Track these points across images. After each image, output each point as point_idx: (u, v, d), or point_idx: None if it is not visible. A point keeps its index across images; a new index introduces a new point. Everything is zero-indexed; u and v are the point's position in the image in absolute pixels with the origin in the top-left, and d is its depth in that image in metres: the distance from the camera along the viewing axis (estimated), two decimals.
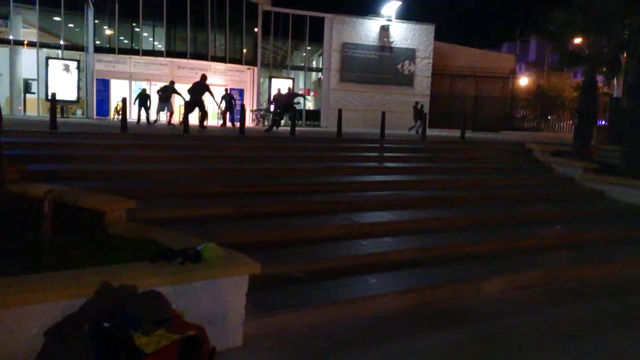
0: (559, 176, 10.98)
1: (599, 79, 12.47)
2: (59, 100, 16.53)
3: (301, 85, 26.85)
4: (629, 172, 9.99)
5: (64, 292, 3.07)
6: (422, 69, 26.79)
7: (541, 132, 29.16)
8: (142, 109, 18.40)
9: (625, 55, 11.79)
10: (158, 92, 18.10)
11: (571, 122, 26.01)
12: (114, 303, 3.00)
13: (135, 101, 18.43)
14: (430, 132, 15.44)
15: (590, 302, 5.21)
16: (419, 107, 21.64)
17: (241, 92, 25.80)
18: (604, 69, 12.09)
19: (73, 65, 22.10)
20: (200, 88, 15.18)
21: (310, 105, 28.05)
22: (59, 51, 22.99)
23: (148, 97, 18.74)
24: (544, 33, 13.04)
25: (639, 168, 10.20)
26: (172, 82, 17.74)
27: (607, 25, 11.11)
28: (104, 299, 3.04)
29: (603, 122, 20.08)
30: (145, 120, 18.20)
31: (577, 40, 15.23)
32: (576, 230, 7.65)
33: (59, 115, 16.29)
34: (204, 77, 15.52)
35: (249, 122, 23.17)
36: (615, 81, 16.17)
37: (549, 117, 33.67)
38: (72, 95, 21.94)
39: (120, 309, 2.97)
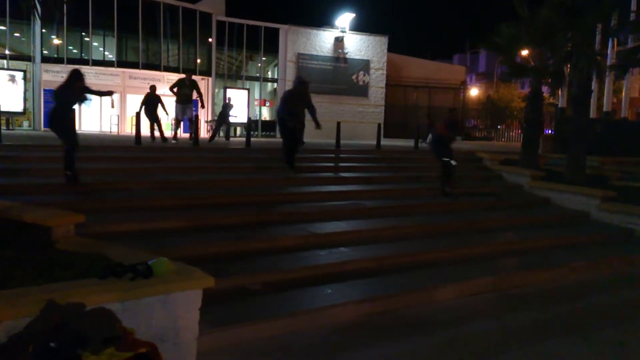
0: (508, 184, 11.30)
1: (545, 89, 12.89)
2: (4, 112, 15.94)
3: (257, 96, 26.77)
4: (573, 180, 10.38)
5: (7, 311, 2.94)
6: (377, 79, 27.15)
7: (491, 141, 30.01)
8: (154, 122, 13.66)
9: (568, 67, 12.26)
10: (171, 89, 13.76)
11: (519, 131, 26.86)
12: (60, 322, 2.88)
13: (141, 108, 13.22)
14: (385, 142, 15.64)
15: (539, 307, 5.37)
16: (430, 118, 20.42)
17: (195, 102, 25.44)
18: (549, 80, 12.50)
19: (19, 75, 21.29)
20: (301, 93, 10.39)
21: (265, 115, 27.99)
22: (4, 61, 22.15)
23: (159, 100, 13.84)
24: (492, 45, 13.38)
25: (583, 175, 10.61)
26: (190, 74, 14.38)
27: (550, 39, 11.54)
28: (50, 317, 2.92)
29: (549, 131, 20.85)
30: (160, 136, 13.60)
31: (524, 53, 15.77)
32: (525, 237, 7.89)
33: (4, 127, 15.65)
34: (300, 83, 10.55)
35: (203, 133, 22.88)
36: (560, 92, 16.76)
37: (499, 127, 34.79)
38: (18, 107, 21.11)
39: (67, 327, 2.86)
